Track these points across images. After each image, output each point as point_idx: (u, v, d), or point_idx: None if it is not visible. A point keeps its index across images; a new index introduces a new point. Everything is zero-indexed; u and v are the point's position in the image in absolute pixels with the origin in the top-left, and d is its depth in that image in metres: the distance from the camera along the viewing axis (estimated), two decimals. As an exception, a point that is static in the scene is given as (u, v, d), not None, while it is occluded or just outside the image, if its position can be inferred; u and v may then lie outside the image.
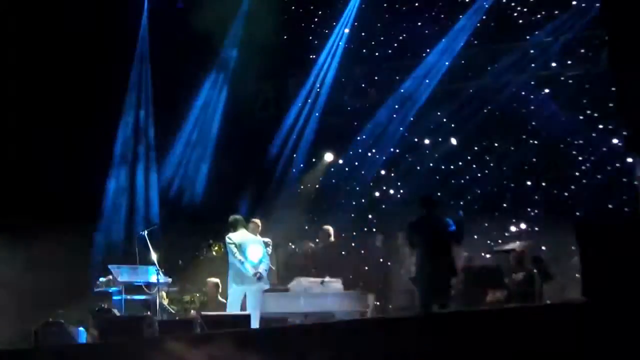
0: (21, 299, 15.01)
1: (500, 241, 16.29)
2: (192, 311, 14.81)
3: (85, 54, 16.94)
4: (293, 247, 16.80)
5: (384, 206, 18.18)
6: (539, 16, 17.17)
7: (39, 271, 15.48)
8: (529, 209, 17.14)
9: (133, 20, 18.48)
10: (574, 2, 16.69)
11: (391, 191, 18.41)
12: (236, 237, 13.25)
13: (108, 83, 17.45)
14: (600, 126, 16.51)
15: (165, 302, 14.72)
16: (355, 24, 18.36)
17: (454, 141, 17.85)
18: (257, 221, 15.47)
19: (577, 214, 15.96)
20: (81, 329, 13.09)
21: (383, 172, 18.56)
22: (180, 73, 17.94)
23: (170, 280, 14.46)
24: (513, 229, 16.77)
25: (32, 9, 16.58)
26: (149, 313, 13.38)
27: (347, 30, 18.48)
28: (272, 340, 9.17)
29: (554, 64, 17.22)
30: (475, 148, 17.79)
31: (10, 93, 16.37)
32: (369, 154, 18.61)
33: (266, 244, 15.06)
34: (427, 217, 12.74)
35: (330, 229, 15.89)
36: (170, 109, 18.44)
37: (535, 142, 17.25)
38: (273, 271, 14.92)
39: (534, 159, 17.24)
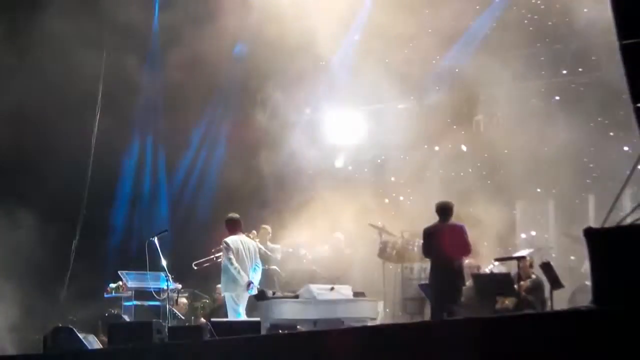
0: (31, 304, 15.02)
1: (510, 248, 16.27)
2: (201, 317, 14.83)
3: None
4: (304, 252, 16.77)
5: (393, 213, 18.14)
6: (549, 23, 17.12)
7: (49, 277, 15.52)
8: (539, 217, 17.10)
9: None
10: (585, 10, 16.63)
11: (401, 198, 18.39)
12: (234, 242, 12.90)
13: (120, 89, 17.51)
14: (611, 133, 16.45)
15: (184, 308, 14.75)
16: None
17: (464, 148, 17.84)
18: (268, 227, 15.49)
19: (588, 221, 15.88)
20: (91, 334, 13.09)
21: (393, 178, 18.53)
22: (190, 79, 17.92)
23: (179, 286, 14.47)
24: (523, 236, 16.74)
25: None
26: (160, 320, 13.36)
27: (357, 37, 18.45)
28: (282, 347, 9.16)
29: (564, 72, 17.16)
30: (486, 155, 17.76)
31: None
32: (379, 161, 18.60)
33: (276, 251, 15.10)
34: (442, 225, 12.81)
35: (342, 236, 15.89)
36: (180, 118, 18.45)
37: (546, 149, 17.19)
38: (283, 277, 14.93)
39: (544, 166, 17.17)
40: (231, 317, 12.58)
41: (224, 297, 13.00)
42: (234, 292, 12.73)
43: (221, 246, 12.99)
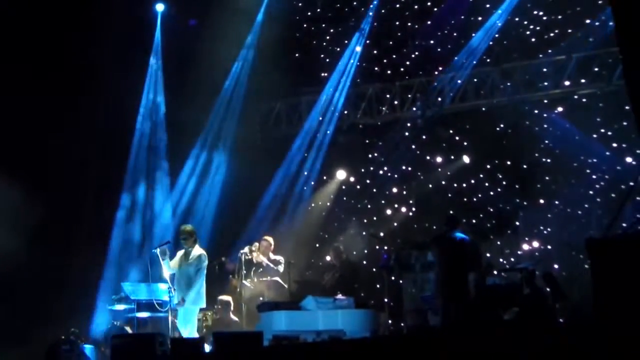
0: (34, 316, 14.99)
1: (513, 259, 16.26)
2: (204, 329, 14.78)
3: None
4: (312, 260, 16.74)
5: (395, 224, 18.14)
6: (552, 34, 17.15)
7: (52, 289, 15.48)
8: (541, 227, 17.09)
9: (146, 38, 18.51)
10: (588, 21, 16.67)
11: (403, 209, 18.37)
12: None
13: (121, 101, 17.45)
14: (614, 145, 16.46)
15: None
16: (367, 42, 18.37)
17: (466, 159, 17.83)
18: (270, 239, 15.46)
19: (591, 232, 15.86)
20: (93, 346, 13.07)
21: (395, 190, 18.52)
22: (192, 93, 17.88)
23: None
24: (526, 247, 16.73)
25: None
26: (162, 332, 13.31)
27: (359, 49, 18.48)
28: (284, 358, 9.15)
29: (567, 83, 17.16)
30: (488, 166, 17.76)
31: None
32: (381, 172, 18.59)
33: (278, 262, 15.06)
34: (449, 235, 12.81)
35: (341, 246, 15.86)
36: (183, 128, 18.41)
37: (549, 160, 17.20)
38: (285, 289, 14.89)
39: (547, 178, 17.17)
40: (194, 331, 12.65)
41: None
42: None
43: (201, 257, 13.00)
